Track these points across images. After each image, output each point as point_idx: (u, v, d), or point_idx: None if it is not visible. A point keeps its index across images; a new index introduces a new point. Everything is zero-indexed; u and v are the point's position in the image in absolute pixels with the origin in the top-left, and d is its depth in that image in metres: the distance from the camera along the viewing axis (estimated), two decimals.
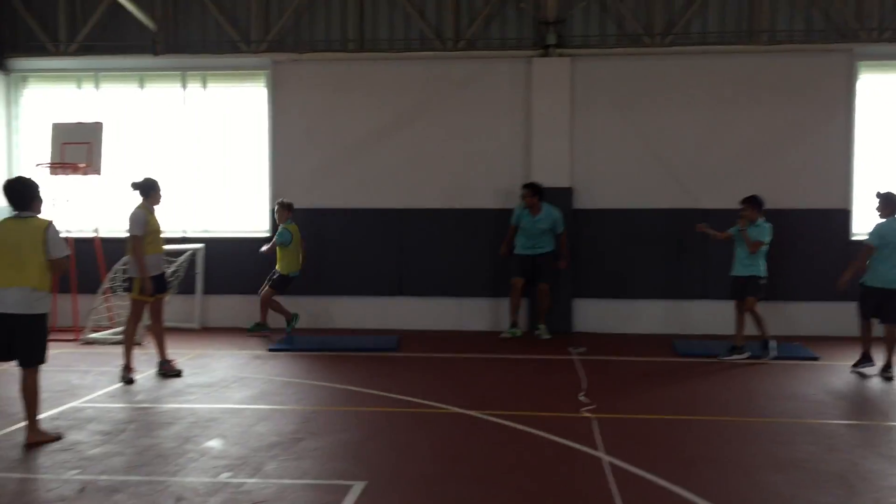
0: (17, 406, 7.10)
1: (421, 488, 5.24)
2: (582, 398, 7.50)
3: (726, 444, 6.15)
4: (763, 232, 9.38)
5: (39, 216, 6.42)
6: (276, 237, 10.99)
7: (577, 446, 6.02)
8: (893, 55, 11.17)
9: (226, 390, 7.95)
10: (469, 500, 5.03)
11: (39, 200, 6.48)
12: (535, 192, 10.75)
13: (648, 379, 8.55)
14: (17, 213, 6.38)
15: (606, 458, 5.72)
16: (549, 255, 10.90)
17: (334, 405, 7.38)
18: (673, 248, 11.30)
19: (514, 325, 10.98)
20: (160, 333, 8.66)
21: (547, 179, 11.15)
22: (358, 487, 5.17)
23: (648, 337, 10.98)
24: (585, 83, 11.41)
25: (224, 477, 5.38)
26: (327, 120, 11.77)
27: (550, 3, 11.12)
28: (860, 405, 7.41)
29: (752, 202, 9.40)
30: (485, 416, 6.90)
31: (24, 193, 6.37)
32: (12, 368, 8.89)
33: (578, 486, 5.25)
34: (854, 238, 11.10)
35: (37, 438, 6.12)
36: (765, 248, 9.37)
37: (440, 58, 11.59)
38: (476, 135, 11.58)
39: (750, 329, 9.54)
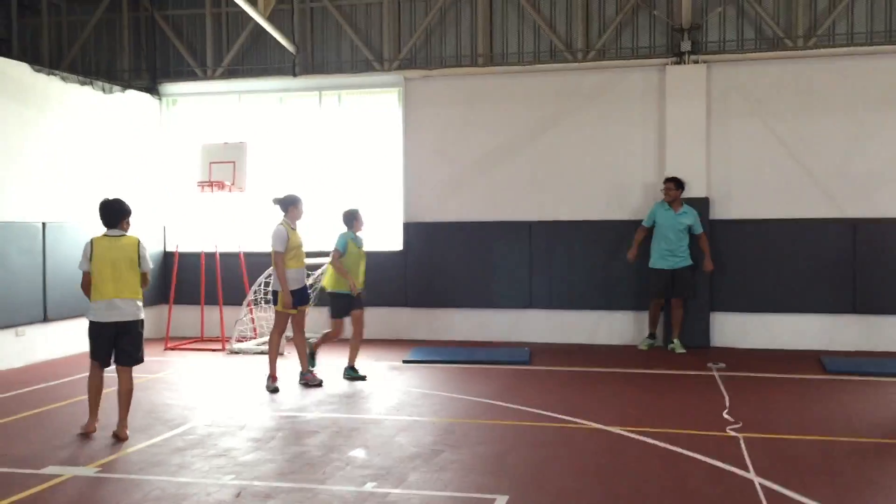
0: (174, 412, 7.53)
1: None
2: (726, 416, 7.25)
3: (886, 467, 5.80)
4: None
5: (128, 234, 6.93)
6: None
7: (727, 467, 5.82)
8: None
9: (364, 401, 8.14)
10: None
11: (128, 219, 6.97)
12: (678, 185, 10.59)
13: (795, 396, 8.17)
14: (108, 231, 6.87)
15: (758, 480, 5.50)
16: (688, 269, 10.65)
17: (471, 417, 7.43)
18: (815, 260, 10.79)
19: (652, 335, 10.89)
20: (302, 345, 8.97)
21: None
22: (501, 501, 5.18)
23: (791, 353, 10.51)
24: (722, 90, 11.09)
25: (370, 486, 5.50)
26: (458, 134, 11.92)
27: (685, 10, 10.87)
28: None
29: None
30: (626, 433, 6.78)
31: (118, 213, 6.89)
32: (174, 378, 9.41)
33: None
34: None
35: (126, 434, 6.72)
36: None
37: (570, 69, 11.53)
38: (608, 146, 11.44)
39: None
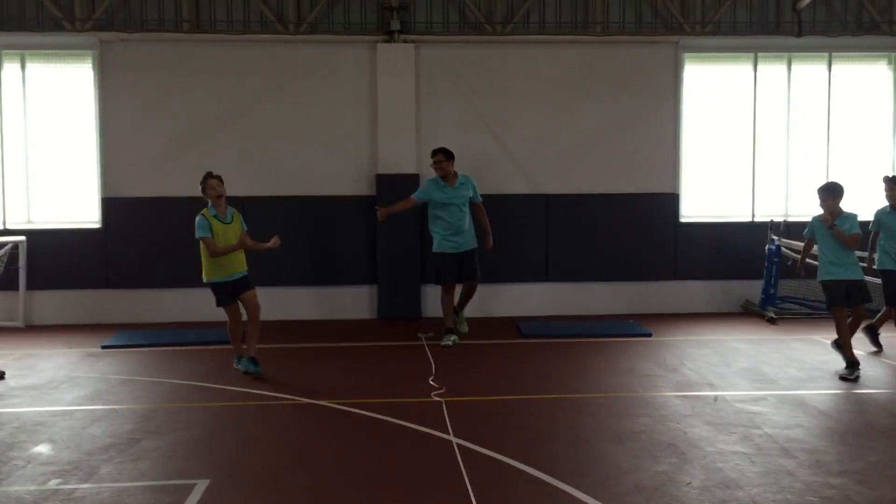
0: None
1: (267, 481, 5.10)
2: (432, 382, 7.55)
3: (568, 420, 6.36)
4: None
5: None
6: None
7: (429, 431, 6.05)
8: (713, 48, 11.88)
9: (55, 391, 7.44)
10: (318, 490, 4.94)
11: None
12: (449, 157, 9.40)
13: (496, 360, 8.71)
14: None
15: (456, 441, 5.77)
16: (475, 250, 9.62)
17: (175, 402, 7.07)
18: (514, 232, 11.55)
19: (450, 330, 9.52)
20: None
21: (393, 167, 11.18)
22: (201, 486, 4.97)
23: (494, 320, 11.19)
24: (430, 69, 11.47)
25: (53, 484, 5.02)
26: (162, 104, 11.24)
27: None
28: (688, 378, 7.85)
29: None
30: (334, 405, 6.81)
31: None
32: None
33: (430, 469, 5.27)
34: (682, 220, 11.77)
35: None
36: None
37: (283, 41, 11.30)
38: (321, 120, 11.40)
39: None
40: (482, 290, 10.26)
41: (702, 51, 11.84)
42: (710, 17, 11.62)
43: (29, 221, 11.24)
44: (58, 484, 5.03)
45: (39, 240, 11.06)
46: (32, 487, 4.98)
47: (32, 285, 11.05)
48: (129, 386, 7.62)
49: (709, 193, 11.87)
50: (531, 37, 11.52)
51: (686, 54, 11.79)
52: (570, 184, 11.61)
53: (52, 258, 11.07)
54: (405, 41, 11.32)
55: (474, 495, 4.75)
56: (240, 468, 5.36)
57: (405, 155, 11.28)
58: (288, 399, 7.08)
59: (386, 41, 11.29)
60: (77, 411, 6.74)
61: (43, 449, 5.73)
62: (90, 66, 11.27)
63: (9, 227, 11.14)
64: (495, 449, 5.57)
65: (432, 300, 11.35)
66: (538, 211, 11.59)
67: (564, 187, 11.60)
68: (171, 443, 5.88)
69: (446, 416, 6.41)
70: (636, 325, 10.43)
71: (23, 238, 10.89)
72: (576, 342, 9.58)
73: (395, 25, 11.22)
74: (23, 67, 11.25)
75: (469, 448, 5.62)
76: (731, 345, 9.30)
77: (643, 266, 11.68)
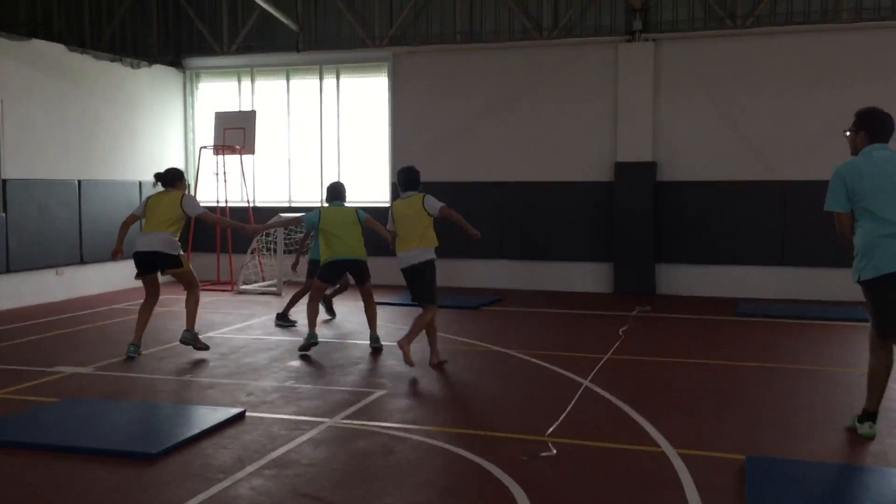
0: (169, 335, 9.33)
1: (434, 392, 6.73)
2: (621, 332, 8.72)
3: (697, 379, 7.18)
4: None
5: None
6: None
7: (569, 374, 7.31)
8: None
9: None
10: (467, 410, 6.46)
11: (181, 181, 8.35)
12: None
13: (688, 333, 9.51)
14: (165, 189, 8.30)
15: (587, 384, 6.97)
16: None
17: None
18: (752, 217, 11.96)
19: None
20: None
21: (631, 155, 12.23)
22: (379, 393, 6.76)
23: (724, 300, 11.76)
24: (669, 65, 12.29)
25: (289, 383, 7.16)
26: (440, 104, 13.40)
27: None
28: None
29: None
30: (517, 354, 8.28)
31: (167, 176, 8.30)
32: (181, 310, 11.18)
33: (546, 396, 6.53)
34: None
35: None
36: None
37: (536, 45, 12.86)
38: (569, 114, 12.78)
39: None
40: (718, 271, 11.02)
41: None
42: None
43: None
44: (291, 383, 7.16)
45: None
46: (275, 384, 7.16)
47: None
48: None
49: None
50: (775, 27, 11.79)
51: None
52: (809, 171, 11.70)
53: None
54: (646, 40, 12.25)
55: (567, 414, 5.96)
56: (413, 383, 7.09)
57: (642, 145, 12.25)
58: (482, 346, 8.68)
59: (628, 41, 12.32)
60: (332, 342, 8.95)
61: (294, 363, 7.98)
62: (385, 75, 13.80)
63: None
64: (613, 393, 6.68)
65: (665, 278, 12.27)
66: (776, 198, 11.87)
67: (802, 174, 11.74)
68: (372, 369, 7.78)
69: (597, 369, 7.58)
70: (858, 311, 10.40)
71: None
72: (789, 323, 9.95)
73: (637, 26, 12.22)
74: (337, 78, 14.12)
75: (593, 390, 6.80)
76: None
77: None
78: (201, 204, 8.44)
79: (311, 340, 8.27)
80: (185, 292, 8.38)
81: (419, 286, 7.49)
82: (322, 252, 8.36)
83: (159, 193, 8.27)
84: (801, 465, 4.89)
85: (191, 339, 8.24)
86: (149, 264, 8.05)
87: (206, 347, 8.30)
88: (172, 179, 8.35)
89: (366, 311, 8.52)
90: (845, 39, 11.60)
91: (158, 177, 8.43)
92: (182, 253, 8.15)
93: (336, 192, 8.64)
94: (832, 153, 11.54)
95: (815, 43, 11.74)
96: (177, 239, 8.07)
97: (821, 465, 4.92)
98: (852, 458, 5.16)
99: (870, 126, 5.53)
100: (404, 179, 7.74)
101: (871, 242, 5.26)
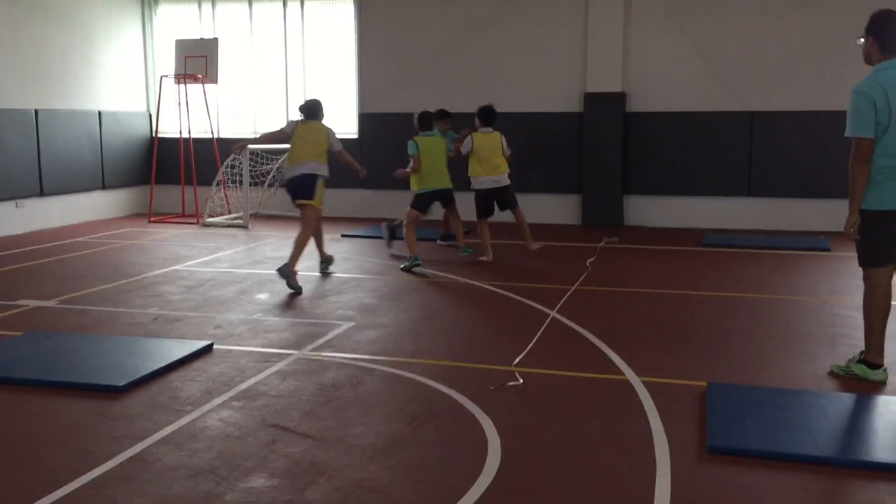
0: (134, 268, 9.22)
1: (403, 325, 6.77)
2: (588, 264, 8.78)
3: (653, 309, 7.29)
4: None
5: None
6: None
7: (537, 306, 7.37)
8: None
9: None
10: (441, 335, 6.50)
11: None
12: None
13: (653, 263, 9.61)
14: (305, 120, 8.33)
15: (553, 314, 7.05)
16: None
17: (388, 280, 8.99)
18: (719, 148, 12.01)
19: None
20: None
21: (600, 85, 12.13)
22: (346, 325, 6.78)
23: (691, 231, 11.88)
24: None
25: (257, 315, 7.15)
26: (405, 35, 13.16)
27: None
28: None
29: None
30: (485, 286, 8.33)
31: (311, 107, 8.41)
32: (146, 244, 11.03)
33: (521, 326, 6.61)
34: None
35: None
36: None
37: None
38: (537, 44, 12.62)
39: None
40: (685, 202, 11.07)
41: None
42: None
43: None
44: (259, 316, 7.15)
45: None
46: (243, 316, 7.15)
47: None
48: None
49: None
50: None
51: None
52: (779, 101, 11.72)
53: None
54: None
55: (534, 344, 6.03)
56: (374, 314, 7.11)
57: (612, 75, 12.15)
58: (449, 279, 8.72)
59: None
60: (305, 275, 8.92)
61: (262, 296, 7.95)
62: (351, 1, 13.45)
63: None
64: (580, 323, 6.76)
65: (633, 209, 12.34)
66: (744, 129, 11.90)
67: (772, 104, 11.76)
68: (341, 301, 7.79)
69: (564, 300, 7.65)
70: (821, 241, 10.58)
71: None
72: (754, 252, 10.09)
73: None
74: (301, 4, 13.74)
75: (559, 321, 6.87)
76: None
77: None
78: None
79: (414, 262, 9.00)
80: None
81: (510, 196, 9.59)
82: (419, 182, 9.27)
83: (306, 124, 8.31)
84: (761, 390, 5.00)
85: (286, 274, 8.06)
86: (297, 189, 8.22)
87: (297, 288, 8.00)
88: (316, 111, 8.43)
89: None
90: None
91: (303, 109, 8.47)
92: (326, 177, 8.27)
93: (427, 121, 9.42)
94: (801, 84, 11.65)
95: None
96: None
97: (780, 390, 5.04)
98: (810, 385, 5.29)
99: (881, 33, 4.85)
100: (486, 114, 9.55)
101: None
